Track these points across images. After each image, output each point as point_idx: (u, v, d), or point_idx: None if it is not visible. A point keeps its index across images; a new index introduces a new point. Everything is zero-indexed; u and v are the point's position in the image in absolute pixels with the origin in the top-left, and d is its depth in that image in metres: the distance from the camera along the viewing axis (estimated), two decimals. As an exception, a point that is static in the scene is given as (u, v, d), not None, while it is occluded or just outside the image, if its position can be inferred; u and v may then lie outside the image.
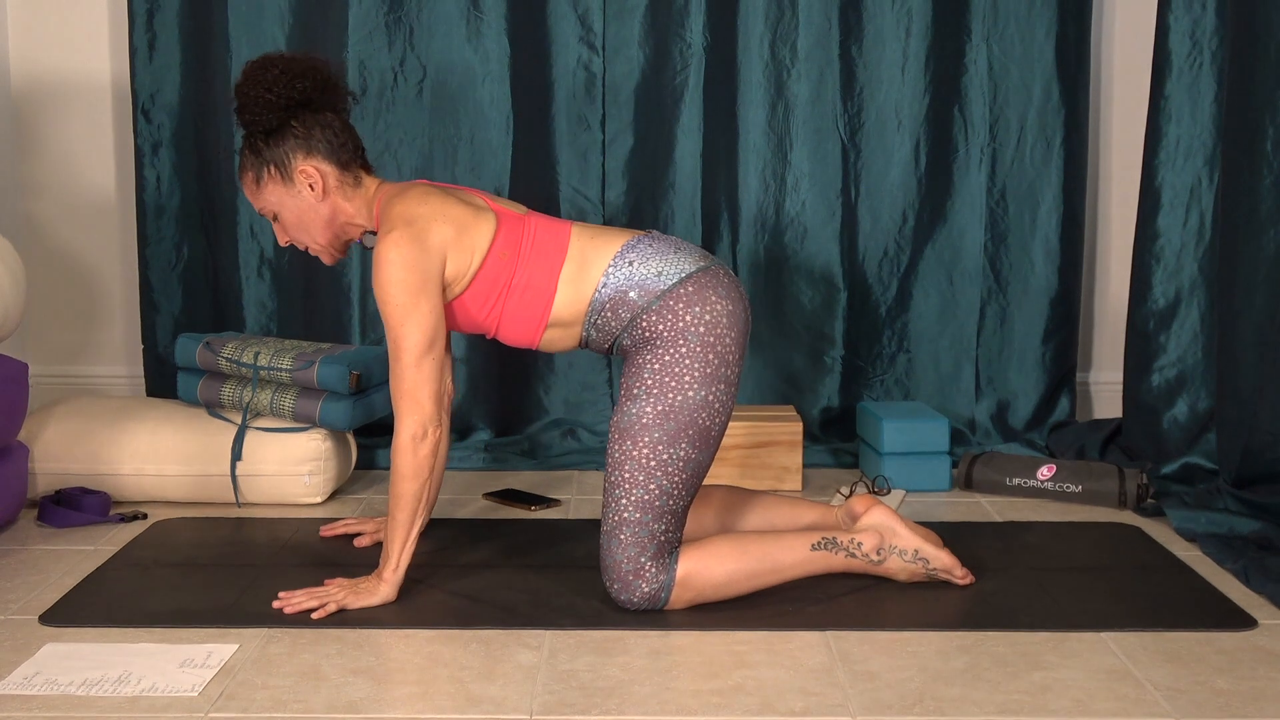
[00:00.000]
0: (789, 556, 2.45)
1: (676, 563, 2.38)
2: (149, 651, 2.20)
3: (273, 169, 2.48)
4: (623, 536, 2.36)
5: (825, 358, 3.58)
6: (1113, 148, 3.69)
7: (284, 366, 3.04)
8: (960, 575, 2.50)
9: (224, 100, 3.47)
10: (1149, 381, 3.32)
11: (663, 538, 2.37)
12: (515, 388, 3.59)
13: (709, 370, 2.37)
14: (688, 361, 2.36)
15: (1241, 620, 2.36)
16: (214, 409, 3.13)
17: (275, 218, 2.54)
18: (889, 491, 3.14)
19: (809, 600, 2.43)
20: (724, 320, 2.40)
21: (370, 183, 2.55)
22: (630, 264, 2.42)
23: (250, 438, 3.05)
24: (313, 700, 2.03)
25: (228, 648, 2.22)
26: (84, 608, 2.40)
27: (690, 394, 2.36)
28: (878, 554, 2.48)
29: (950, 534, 2.83)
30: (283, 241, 2.58)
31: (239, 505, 3.06)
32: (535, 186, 3.51)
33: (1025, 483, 3.17)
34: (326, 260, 2.59)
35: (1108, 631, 2.30)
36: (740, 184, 3.55)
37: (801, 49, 3.49)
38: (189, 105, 3.53)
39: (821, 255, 3.54)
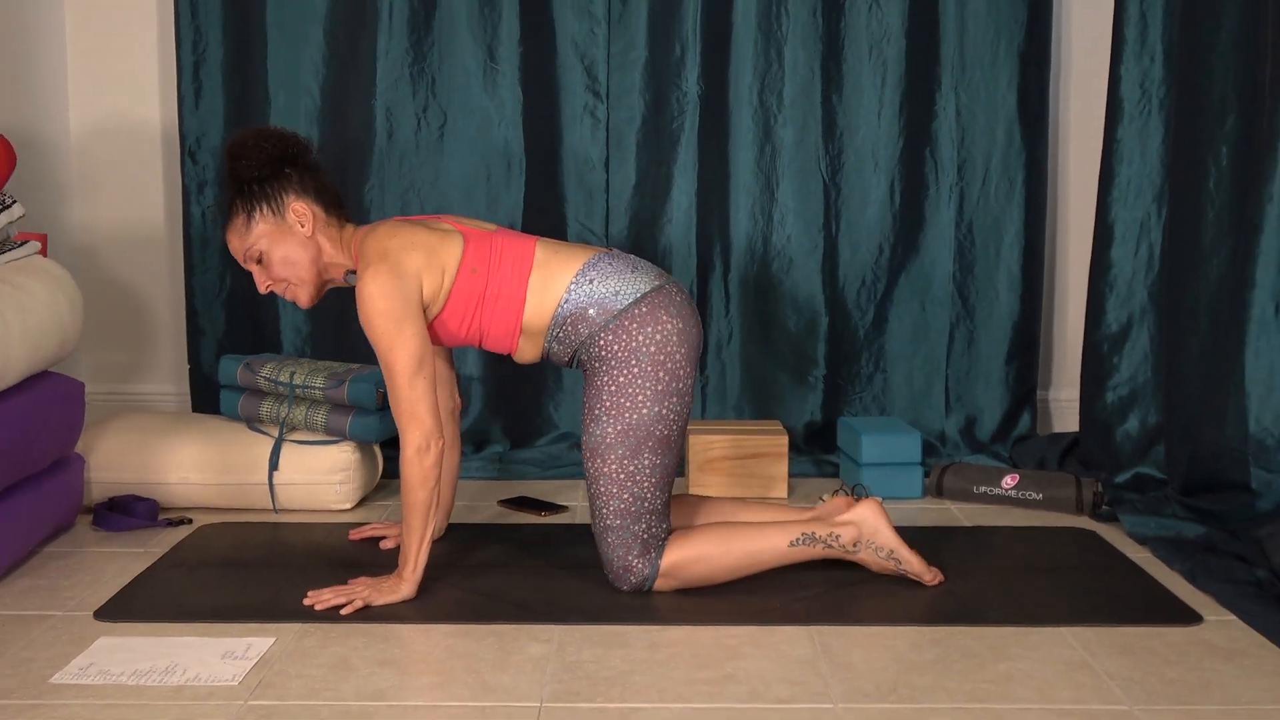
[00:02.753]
0: (768, 553, 2.48)
1: (661, 556, 2.42)
2: (193, 644, 2.20)
3: (264, 207, 2.47)
4: (610, 540, 2.43)
5: (809, 376, 3.58)
6: (1069, 186, 3.70)
7: (317, 385, 3.04)
8: (929, 579, 2.50)
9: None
10: (1103, 398, 3.32)
11: (645, 535, 2.42)
12: (527, 404, 3.59)
13: (660, 387, 2.40)
14: (640, 381, 2.39)
15: (1188, 616, 2.35)
16: (253, 424, 3.13)
17: (260, 259, 2.49)
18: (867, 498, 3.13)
19: (793, 598, 2.42)
20: (674, 338, 2.41)
21: (348, 230, 2.55)
22: (591, 281, 2.44)
23: (286, 450, 3.05)
24: (342, 689, 2.02)
25: (265, 641, 2.21)
26: (134, 604, 2.40)
27: (645, 411, 2.39)
28: (854, 545, 2.49)
29: (922, 537, 2.83)
30: (263, 287, 2.51)
31: (276, 511, 3.06)
32: (545, 221, 3.51)
33: (991, 491, 3.16)
34: (304, 300, 2.53)
35: (1066, 626, 2.30)
36: (731, 219, 3.55)
37: (787, 97, 3.49)
38: (232, 148, 3.53)
39: (805, 283, 3.54)
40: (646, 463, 2.40)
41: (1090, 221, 3.53)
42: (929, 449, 3.53)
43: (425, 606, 2.38)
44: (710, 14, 3.47)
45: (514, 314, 2.44)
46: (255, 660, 2.13)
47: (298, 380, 3.05)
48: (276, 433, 3.08)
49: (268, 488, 3.04)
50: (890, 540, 2.49)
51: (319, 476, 3.04)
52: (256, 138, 2.49)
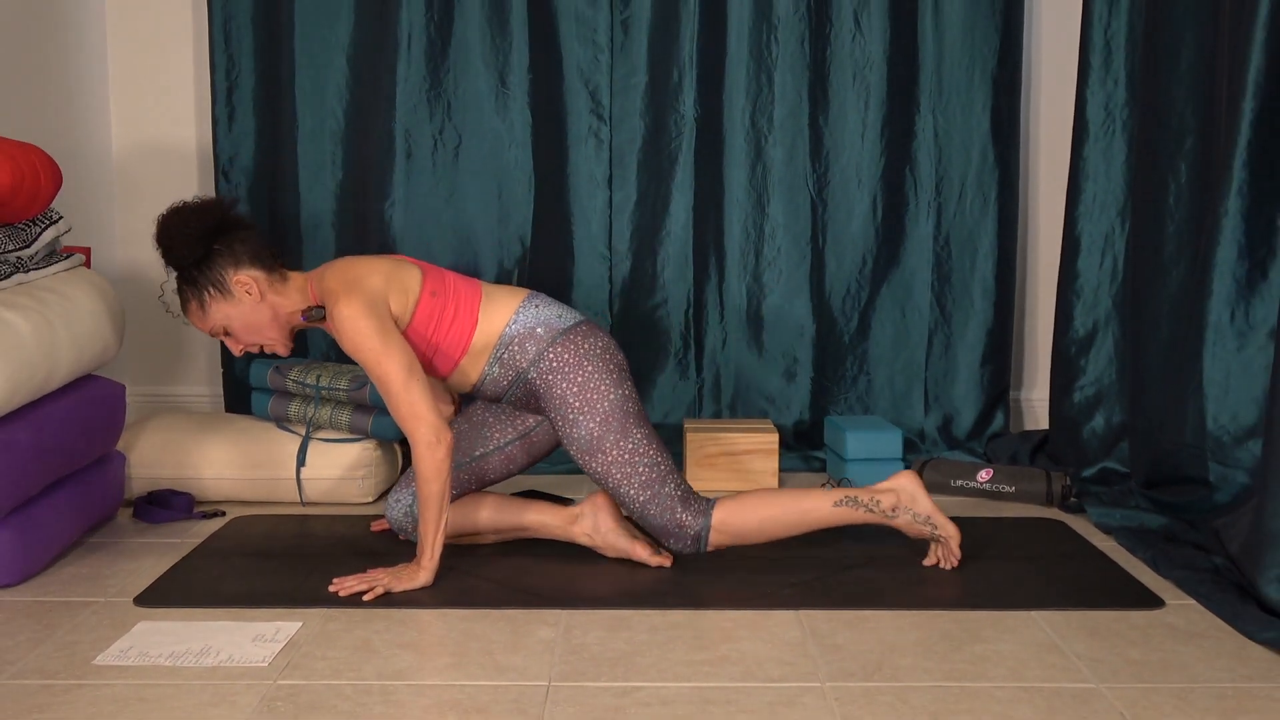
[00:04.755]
0: (816, 512, 2.47)
1: (713, 509, 2.44)
2: (226, 628, 2.19)
3: (211, 290, 2.44)
4: (652, 511, 2.44)
5: (798, 378, 3.57)
6: (1039, 201, 3.69)
7: (341, 387, 3.03)
8: (955, 548, 2.48)
9: (291, 164, 3.49)
10: (1071, 399, 3.31)
11: (679, 492, 2.44)
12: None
13: (615, 375, 2.46)
14: (598, 376, 2.45)
15: (1151, 601, 2.35)
16: (282, 423, 3.13)
17: (226, 332, 2.49)
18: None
19: (785, 584, 2.42)
20: (612, 348, 2.52)
21: (295, 276, 2.52)
22: (537, 307, 2.51)
23: (313, 447, 3.05)
24: (365, 669, 2.02)
25: (293, 625, 2.21)
26: (172, 591, 2.40)
27: (611, 396, 2.44)
28: (893, 510, 2.46)
29: (904, 528, 2.82)
30: (237, 351, 2.51)
31: (303, 504, 3.06)
32: (553, 235, 3.51)
33: (967, 484, 3.15)
34: (282, 351, 2.54)
35: (1038, 610, 2.29)
36: (726, 232, 3.55)
37: (777, 119, 3.49)
38: (262, 167, 3.53)
39: (794, 293, 3.54)
40: (638, 434, 2.44)
41: (1059, 234, 3.53)
42: (909, 445, 3.52)
43: (442, 593, 2.37)
44: (706, 42, 3.46)
45: (466, 334, 2.48)
46: (284, 643, 2.13)
47: (323, 382, 3.05)
48: (304, 431, 3.08)
49: (295, 482, 3.03)
50: (927, 507, 2.47)
51: (343, 472, 3.04)
52: (178, 220, 2.43)
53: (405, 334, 2.45)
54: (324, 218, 3.52)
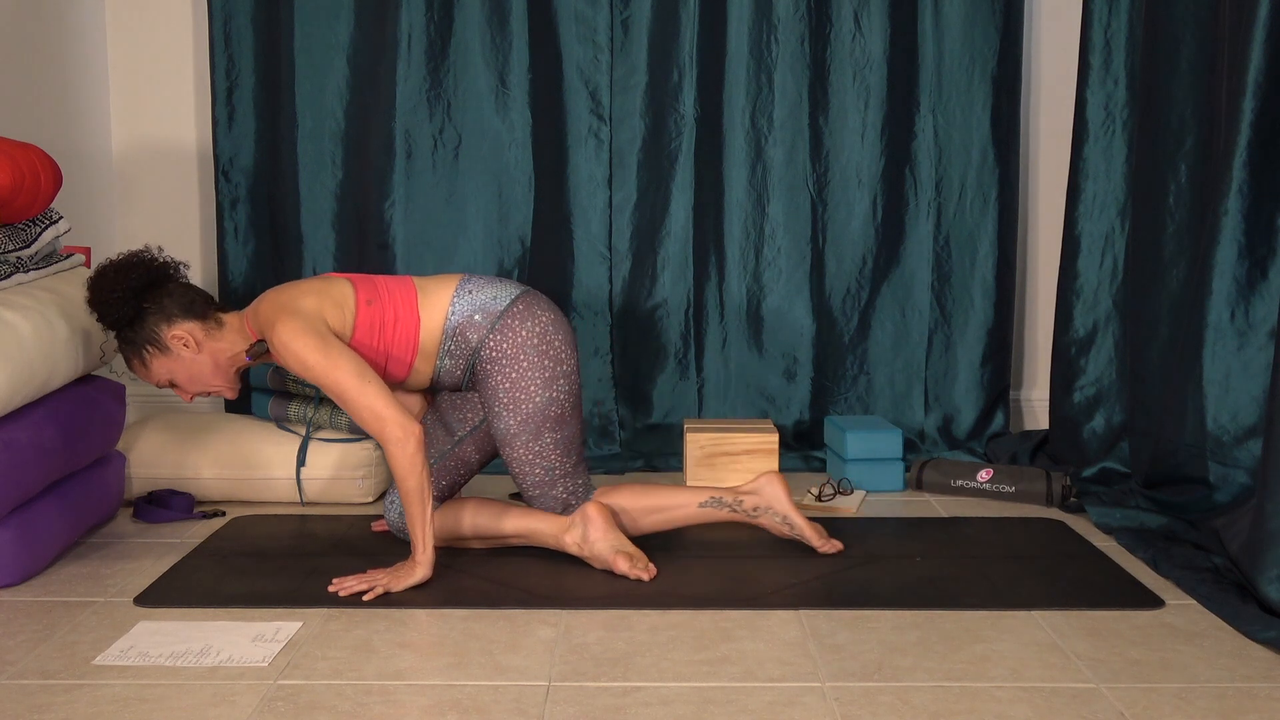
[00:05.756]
0: (681, 510, 2.60)
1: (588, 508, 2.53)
2: (226, 628, 2.19)
3: (148, 348, 2.47)
4: (537, 505, 2.56)
5: (798, 378, 3.57)
6: (1039, 201, 3.69)
7: (341, 387, 3.03)
8: (824, 547, 2.59)
9: (291, 164, 3.49)
10: (1071, 399, 3.31)
11: (564, 496, 2.54)
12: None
13: (546, 375, 2.49)
14: (530, 374, 2.48)
15: (1151, 601, 2.35)
16: (282, 423, 3.13)
17: (172, 384, 2.52)
18: (852, 492, 3.13)
19: (784, 584, 2.42)
20: (550, 329, 2.52)
21: (231, 317, 2.52)
22: (470, 293, 2.52)
23: (312, 447, 3.05)
24: (365, 669, 2.02)
25: (293, 625, 2.21)
26: (172, 591, 2.40)
27: (537, 399, 2.48)
28: (755, 510, 2.59)
29: (903, 528, 2.83)
30: (187, 399, 2.54)
31: (303, 504, 3.06)
32: (553, 235, 3.51)
33: (967, 484, 3.16)
34: (229, 393, 2.56)
35: (1038, 610, 2.29)
36: (726, 233, 3.55)
37: (777, 119, 3.49)
38: (262, 168, 3.54)
39: (794, 292, 3.54)
40: (549, 439, 2.50)
41: (1059, 234, 3.53)
42: (909, 445, 3.52)
43: (441, 593, 2.37)
44: (705, 42, 3.46)
45: (412, 334, 2.49)
46: (284, 643, 2.13)
47: (323, 383, 3.05)
48: (303, 431, 3.08)
49: (295, 483, 3.03)
50: (785, 508, 2.59)
51: (342, 472, 3.04)
52: (105, 282, 2.44)
53: (352, 347, 2.45)
54: (324, 218, 3.52)
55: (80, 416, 2.64)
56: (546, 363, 2.49)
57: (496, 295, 2.52)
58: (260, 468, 3.03)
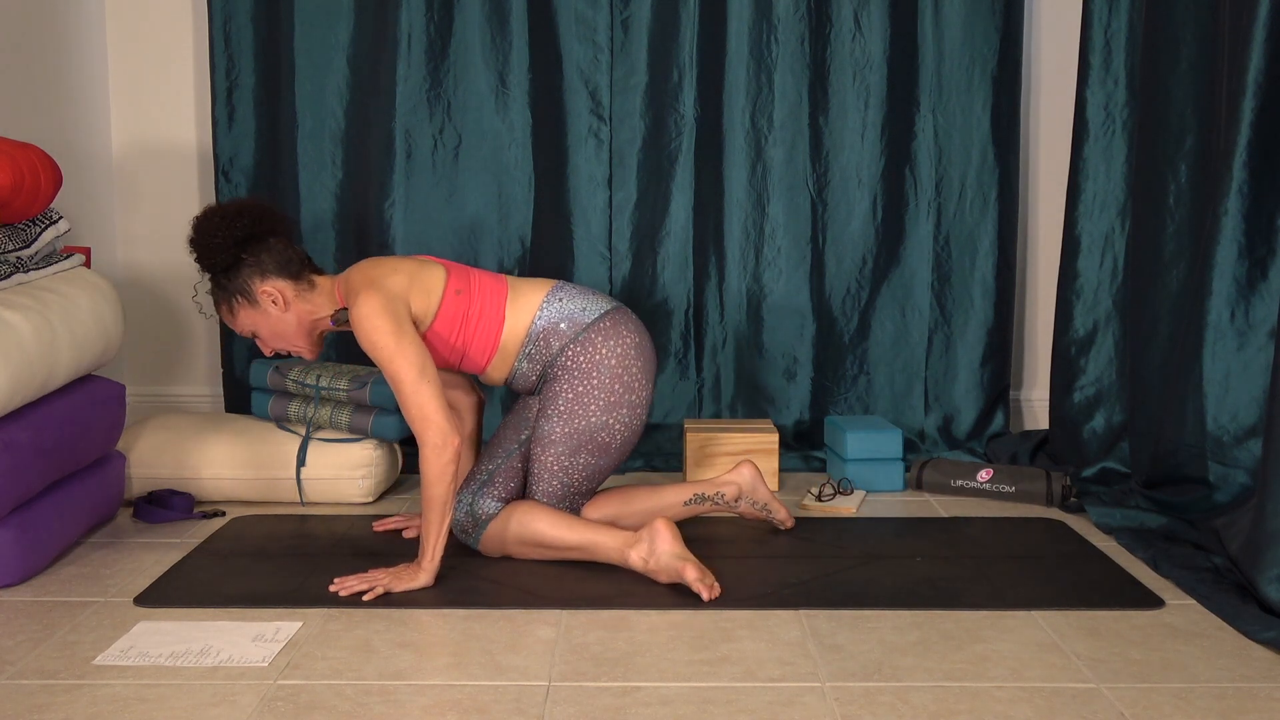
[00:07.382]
0: (669, 510, 2.65)
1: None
2: (226, 628, 2.19)
3: (239, 298, 2.50)
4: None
5: (798, 378, 3.57)
6: (1039, 201, 3.69)
7: (341, 387, 3.03)
8: (788, 524, 2.75)
9: (291, 164, 3.48)
10: (1071, 399, 3.31)
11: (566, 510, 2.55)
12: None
13: (613, 399, 2.49)
14: (596, 393, 2.48)
15: (1151, 601, 2.35)
16: (282, 423, 3.13)
17: (254, 335, 2.55)
18: (852, 492, 3.13)
19: (784, 584, 2.42)
20: (632, 352, 2.52)
21: (323, 280, 2.56)
22: (560, 300, 2.53)
23: (313, 447, 3.05)
24: (365, 670, 2.02)
25: (293, 625, 2.21)
26: (172, 591, 2.40)
27: (593, 419, 2.48)
28: (735, 500, 2.71)
29: (903, 528, 2.83)
30: (268, 353, 2.58)
31: (303, 504, 3.06)
32: (553, 234, 3.51)
33: (967, 484, 3.16)
34: (307, 354, 2.59)
35: (1038, 610, 2.29)
36: (726, 233, 3.55)
37: (777, 119, 3.49)
38: (262, 168, 3.53)
39: (794, 292, 3.54)
40: (581, 461, 2.50)
41: (1059, 234, 3.53)
42: (909, 445, 3.52)
43: (441, 593, 2.37)
44: (706, 42, 3.46)
45: (494, 333, 2.50)
46: (284, 643, 2.13)
47: (323, 382, 3.05)
48: (304, 431, 3.08)
49: (295, 482, 3.03)
50: (764, 496, 2.72)
51: (343, 472, 3.04)
52: (209, 226, 2.47)
53: (430, 335, 2.46)
54: (324, 218, 3.52)
55: (80, 416, 2.64)
56: (617, 387, 2.49)
57: (586, 307, 2.53)
58: (260, 468, 3.03)
